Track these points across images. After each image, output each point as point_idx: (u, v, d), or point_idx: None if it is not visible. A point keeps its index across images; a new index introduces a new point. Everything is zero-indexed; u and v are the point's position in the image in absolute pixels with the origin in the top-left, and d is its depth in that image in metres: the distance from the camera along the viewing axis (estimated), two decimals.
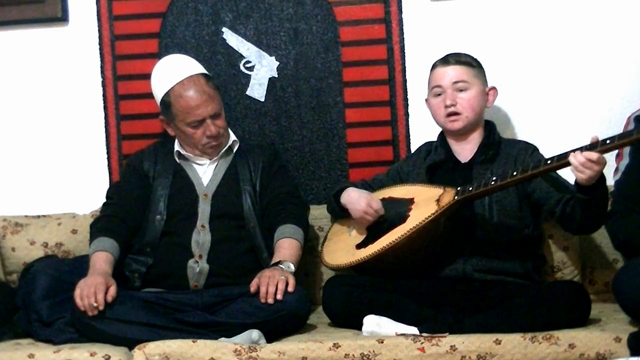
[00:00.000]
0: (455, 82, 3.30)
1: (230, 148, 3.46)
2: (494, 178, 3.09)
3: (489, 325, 2.95)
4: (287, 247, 3.29)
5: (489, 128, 3.37)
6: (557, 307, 2.96)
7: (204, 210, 3.37)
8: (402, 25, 3.66)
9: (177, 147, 3.45)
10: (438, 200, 3.17)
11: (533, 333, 2.87)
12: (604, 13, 3.61)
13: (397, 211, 3.26)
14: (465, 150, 3.35)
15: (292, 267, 3.22)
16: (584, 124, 3.62)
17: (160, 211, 3.37)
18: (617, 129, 3.42)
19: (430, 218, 3.13)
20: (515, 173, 3.05)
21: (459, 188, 3.16)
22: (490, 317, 3.00)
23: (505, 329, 2.91)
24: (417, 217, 3.17)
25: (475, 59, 3.37)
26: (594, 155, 2.89)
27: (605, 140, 2.91)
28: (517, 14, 3.64)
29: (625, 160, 3.19)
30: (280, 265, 3.19)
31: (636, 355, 2.74)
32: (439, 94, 3.32)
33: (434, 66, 3.37)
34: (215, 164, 3.45)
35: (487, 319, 2.99)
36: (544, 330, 2.89)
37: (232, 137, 3.47)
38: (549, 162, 3.00)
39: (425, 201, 3.20)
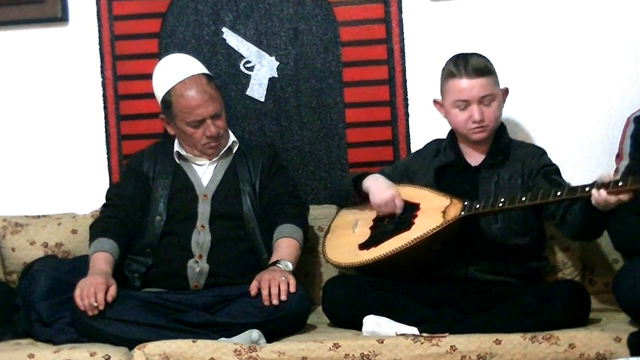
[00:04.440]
0: (483, 97, 3.24)
1: (230, 149, 3.46)
2: (502, 199, 3.06)
3: (489, 325, 2.95)
4: (285, 246, 3.29)
5: (500, 130, 3.34)
6: (557, 307, 2.96)
7: (203, 210, 3.37)
8: (402, 25, 3.66)
9: (176, 147, 3.45)
10: (444, 212, 3.15)
11: (533, 333, 2.87)
12: (604, 13, 3.60)
13: (402, 215, 3.25)
14: (475, 153, 3.33)
15: (290, 266, 3.21)
16: (583, 124, 3.62)
17: (160, 212, 3.37)
18: (617, 129, 3.42)
19: (434, 231, 3.11)
20: (524, 199, 3.03)
21: (466, 203, 3.13)
22: (490, 317, 3.00)
23: (505, 329, 2.91)
24: (422, 226, 3.16)
25: (488, 60, 3.31)
26: (621, 197, 2.85)
27: (617, 181, 2.86)
28: (517, 14, 3.63)
29: (625, 161, 3.19)
30: (278, 265, 3.19)
31: (636, 355, 2.74)
32: (464, 108, 3.25)
33: (452, 75, 3.26)
34: (215, 164, 3.45)
35: (487, 319, 2.99)
36: (544, 330, 2.89)
37: (232, 137, 3.47)
38: (558, 194, 2.97)
39: (431, 210, 3.18)
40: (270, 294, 3.07)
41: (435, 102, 3.38)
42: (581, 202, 2.99)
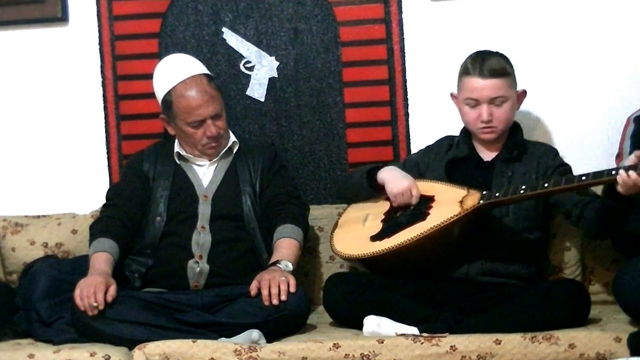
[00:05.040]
0: (494, 98, 3.23)
1: (230, 149, 3.46)
2: (523, 187, 3.05)
3: (489, 325, 2.95)
4: (285, 246, 3.29)
5: (514, 128, 3.34)
6: (557, 307, 2.96)
7: (204, 211, 3.37)
8: (402, 25, 3.66)
9: (177, 148, 3.45)
10: (461, 202, 3.14)
11: (533, 333, 2.87)
12: (604, 13, 3.60)
13: (416, 207, 3.22)
14: (488, 149, 3.32)
15: (290, 266, 3.21)
16: (583, 124, 3.62)
17: (160, 212, 3.37)
18: (617, 129, 3.43)
19: (452, 219, 3.09)
20: (546, 185, 3.02)
21: (484, 192, 3.12)
22: (490, 317, 3.00)
23: (505, 329, 2.91)
24: (439, 216, 3.13)
25: (507, 59, 3.29)
26: None
27: None
28: (517, 14, 3.63)
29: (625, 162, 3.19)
30: (278, 265, 3.19)
31: (636, 355, 2.74)
32: (474, 106, 3.25)
33: (467, 72, 3.26)
34: (215, 165, 3.45)
35: (487, 319, 2.99)
36: (544, 329, 2.89)
37: (232, 138, 3.47)
38: (583, 178, 2.96)
39: (448, 201, 3.16)
40: (270, 294, 3.07)
41: (452, 95, 3.37)
42: (600, 198, 2.99)
